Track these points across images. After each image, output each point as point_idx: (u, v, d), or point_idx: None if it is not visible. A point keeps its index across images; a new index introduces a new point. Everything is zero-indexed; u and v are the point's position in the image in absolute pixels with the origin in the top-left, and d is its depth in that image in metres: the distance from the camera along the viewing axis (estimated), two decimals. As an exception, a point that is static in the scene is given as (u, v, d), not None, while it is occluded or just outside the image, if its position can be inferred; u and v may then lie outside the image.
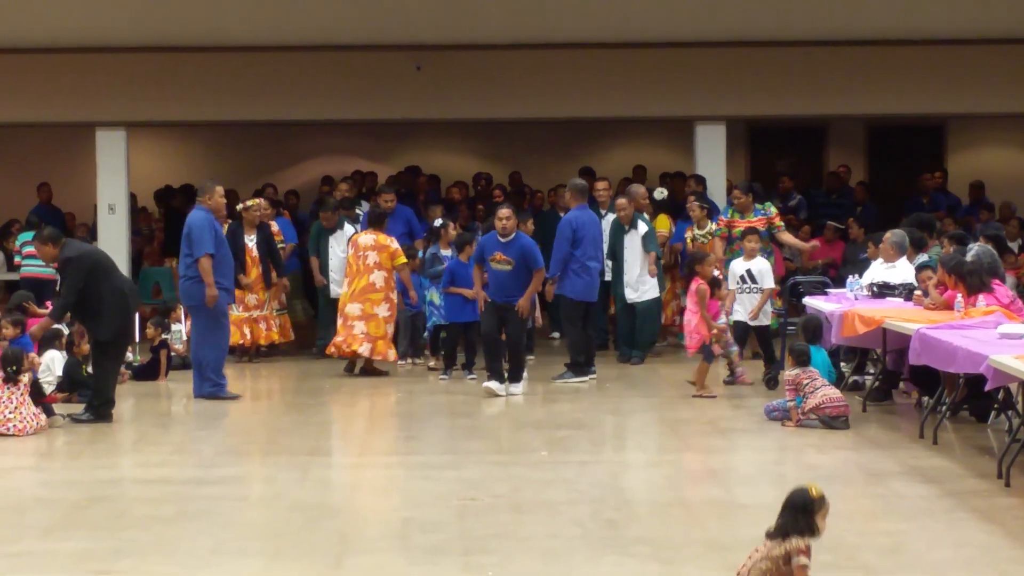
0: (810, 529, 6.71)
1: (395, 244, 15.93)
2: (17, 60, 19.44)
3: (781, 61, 19.74)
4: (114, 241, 19.40)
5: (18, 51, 19.30)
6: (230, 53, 19.55)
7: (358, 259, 15.79)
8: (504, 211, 14.48)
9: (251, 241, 16.84)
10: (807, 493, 6.76)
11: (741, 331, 15.05)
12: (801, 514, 6.73)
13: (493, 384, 14.22)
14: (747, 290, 15.00)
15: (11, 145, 23.73)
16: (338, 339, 15.72)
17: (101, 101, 19.64)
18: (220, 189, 14.82)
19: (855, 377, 14.22)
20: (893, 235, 14.46)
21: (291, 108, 20.09)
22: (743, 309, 15.00)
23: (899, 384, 13.61)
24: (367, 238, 15.90)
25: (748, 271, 15.03)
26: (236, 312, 16.58)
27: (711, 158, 19.81)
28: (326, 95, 19.91)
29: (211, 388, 14.28)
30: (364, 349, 15.67)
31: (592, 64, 19.71)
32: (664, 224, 18.04)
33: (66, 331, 14.78)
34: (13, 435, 12.02)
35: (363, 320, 15.66)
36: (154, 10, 17.51)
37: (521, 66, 19.74)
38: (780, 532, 6.71)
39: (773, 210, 16.58)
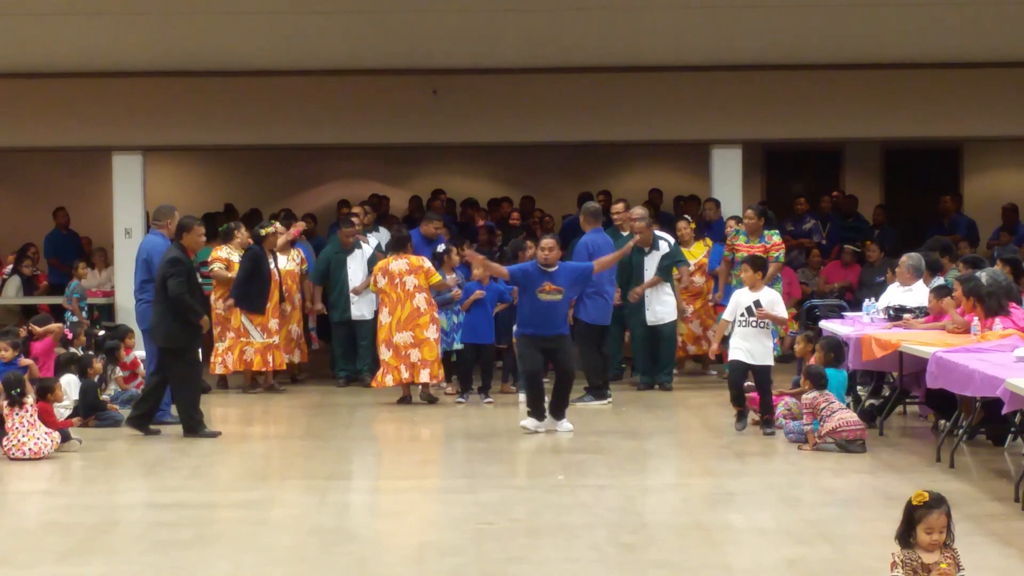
0: (906, 541, 6.65)
1: (427, 263, 15.67)
2: (33, 85, 19.52)
3: (797, 85, 19.75)
4: (130, 266, 19.36)
5: (34, 76, 19.37)
6: (247, 77, 19.61)
7: (395, 287, 15.50)
8: (548, 241, 13.74)
9: (272, 265, 16.74)
10: (909, 500, 6.67)
11: (740, 371, 13.21)
12: (904, 522, 6.67)
13: (530, 422, 13.53)
14: (751, 323, 13.11)
15: (28, 169, 23.80)
16: (403, 376, 15.47)
17: (118, 125, 19.68)
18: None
19: (871, 401, 14.20)
20: (909, 258, 14.47)
21: (308, 132, 20.11)
22: (746, 346, 13.14)
23: (904, 402, 13.62)
24: (399, 264, 15.55)
25: (757, 302, 13.14)
26: (259, 339, 16.53)
27: (727, 181, 19.82)
28: (343, 119, 19.94)
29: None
30: (425, 376, 15.51)
31: (608, 88, 19.73)
32: (700, 251, 17.57)
33: (80, 353, 14.83)
34: (29, 458, 12.04)
35: (416, 347, 15.49)
36: (171, 35, 17.57)
37: (537, 90, 19.77)
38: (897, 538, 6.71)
39: (775, 239, 16.45)
